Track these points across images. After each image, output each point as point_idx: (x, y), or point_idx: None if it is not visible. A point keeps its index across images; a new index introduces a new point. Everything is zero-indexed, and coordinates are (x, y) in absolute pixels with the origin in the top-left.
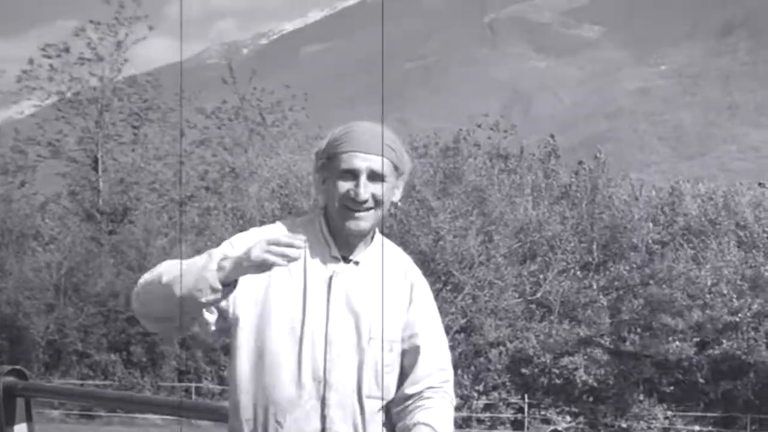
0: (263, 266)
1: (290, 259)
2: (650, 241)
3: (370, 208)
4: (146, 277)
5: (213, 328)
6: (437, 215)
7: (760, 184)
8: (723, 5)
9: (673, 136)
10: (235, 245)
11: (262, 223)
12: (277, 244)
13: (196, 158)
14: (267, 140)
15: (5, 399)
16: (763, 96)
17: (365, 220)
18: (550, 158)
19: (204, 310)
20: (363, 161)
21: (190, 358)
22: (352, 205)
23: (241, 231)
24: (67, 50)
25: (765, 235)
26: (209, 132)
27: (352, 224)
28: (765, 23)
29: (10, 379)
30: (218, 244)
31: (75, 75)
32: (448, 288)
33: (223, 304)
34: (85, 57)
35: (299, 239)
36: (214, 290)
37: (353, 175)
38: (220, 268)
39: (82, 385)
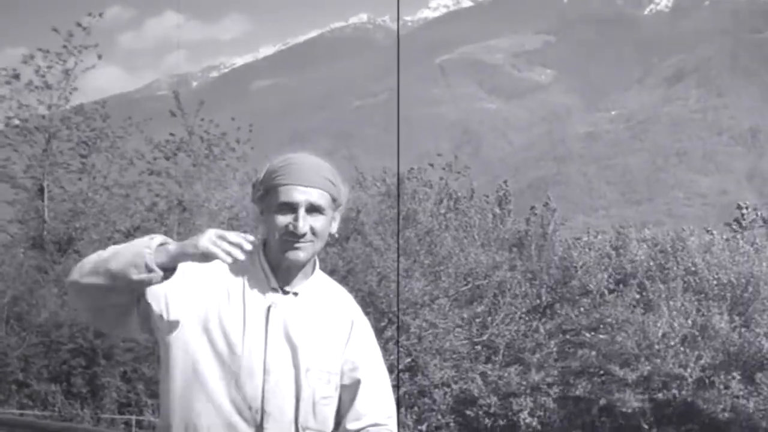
0: (207, 257)
1: (234, 258)
2: (598, 287)
3: (309, 241)
4: (84, 259)
5: (139, 332)
6: (383, 255)
7: (707, 230)
8: (674, 53)
9: (621, 181)
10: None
11: None
12: (226, 239)
13: (144, 189)
14: (215, 173)
15: None
16: (712, 143)
17: (304, 251)
18: (501, 204)
19: (133, 310)
20: (302, 194)
21: (131, 391)
22: (290, 237)
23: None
24: (16, 77)
25: (714, 282)
26: (157, 163)
27: (291, 254)
28: (715, 71)
29: None
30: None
31: (23, 102)
32: (393, 327)
33: (155, 306)
34: (33, 84)
35: (248, 240)
36: (148, 269)
37: (292, 208)
38: (160, 251)
39: (21, 414)
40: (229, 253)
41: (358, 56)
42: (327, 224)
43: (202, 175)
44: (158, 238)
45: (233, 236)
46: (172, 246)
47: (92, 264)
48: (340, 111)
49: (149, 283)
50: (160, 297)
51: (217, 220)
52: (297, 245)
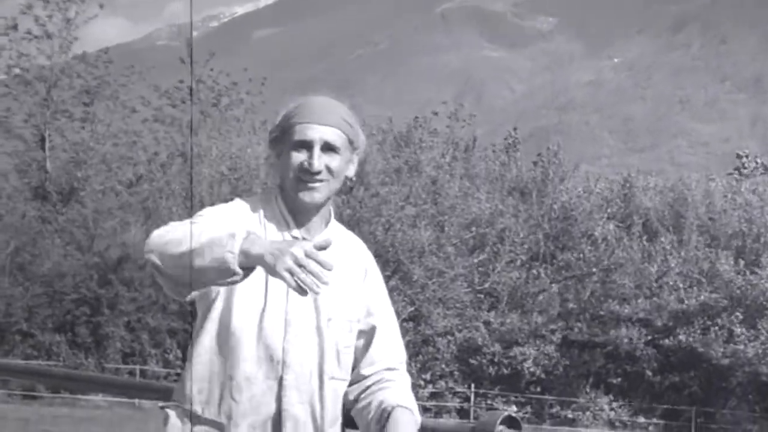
0: (274, 274)
1: (302, 292)
2: (602, 234)
3: (324, 180)
4: (165, 236)
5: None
6: (388, 203)
7: (710, 178)
8: (676, 1)
9: (623, 130)
10: (232, 215)
11: (212, 204)
12: (306, 268)
13: (149, 138)
14: (216, 123)
15: None
16: (714, 91)
17: (319, 191)
18: (509, 151)
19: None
20: (316, 132)
21: (135, 340)
22: (305, 176)
23: (189, 214)
24: (15, 27)
25: (720, 229)
26: (163, 110)
27: (306, 195)
28: (717, 18)
29: None
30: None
31: (23, 51)
32: (397, 276)
33: None
34: (33, 34)
35: (328, 267)
36: (234, 273)
37: (307, 146)
38: (241, 254)
39: (26, 364)
40: (300, 287)
41: (358, 4)
42: (343, 165)
43: (207, 124)
44: (239, 238)
45: (314, 266)
46: (254, 249)
47: (173, 255)
48: (341, 60)
49: (232, 284)
50: None
51: (219, 170)
52: (312, 184)
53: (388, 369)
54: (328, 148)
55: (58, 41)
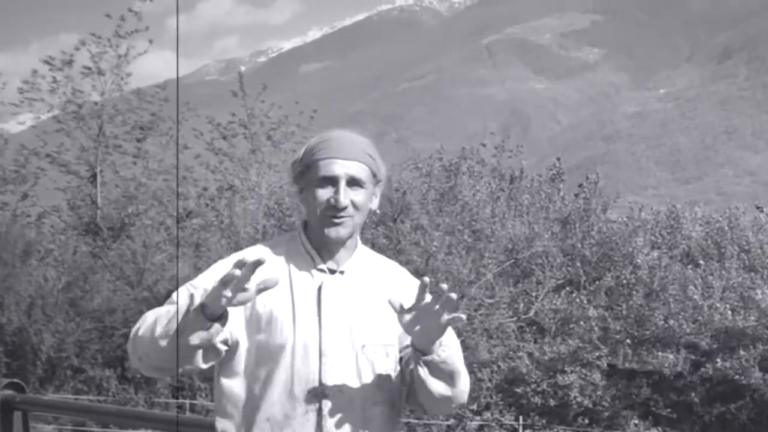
0: (242, 300)
1: (229, 300)
2: (645, 260)
3: (350, 215)
4: (138, 332)
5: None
6: (428, 233)
7: (758, 207)
8: (723, 30)
9: (670, 160)
10: (213, 275)
11: (254, 240)
12: (224, 282)
13: (200, 171)
14: (266, 157)
15: (3, 412)
16: (761, 121)
17: (345, 226)
18: (554, 181)
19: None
20: (341, 168)
21: (184, 375)
22: (331, 212)
23: (235, 248)
24: (70, 63)
25: (766, 259)
26: (215, 144)
27: (332, 231)
28: (764, 49)
29: (9, 392)
30: (215, 261)
31: (77, 88)
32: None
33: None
34: (87, 69)
35: (261, 262)
36: (204, 328)
37: (332, 182)
38: (204, 306)
39: (76, 399)
40: (222, 296)
41: (404, 38)
42: (367, 198)
43: (259, 159)
44: (197, 296)
45: (226, 276)
46: (208, 299)
47: (146, 348)
48: (387, 93)
49: (212, 338)
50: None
51: (265, 204)
52: (337, 220)
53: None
54: (353, 182)
55: (110, 77)
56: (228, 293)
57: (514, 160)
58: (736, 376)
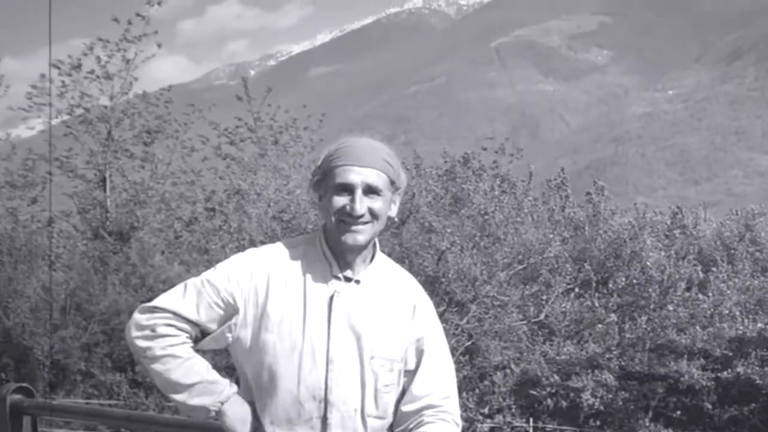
0: None
1: None
2: (655, 262)
3: (367, 222)
4: (145, 353)
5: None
6: (439, 235)
7: None
8: (732, 31)
9: (680, 161)
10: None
11: (262, 243)
12: None
13: (208, 176)
14: (272, 161)
15: (12, 417)
16: None
17: (362, 233)
18: (559, 189)
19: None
20: (358, 175)
21: None
22: (348, 219)
23: (241, 251)
24: (78, 67)
25: None
26: (222, 149)
27: (348, 237)
28: None
29: (17, 396)
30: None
31: (86, 92)
32: (453, 309)
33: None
34: (95, 74)
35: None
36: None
37: (349, 189)
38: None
39: (87, 404)
40: None
41: (413, 41)
42: (385, 206)
43: (267, 163)
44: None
45: None
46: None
47: (163, 382)
48: (397, 96)
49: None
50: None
51: (273, 208)
52: (354, 227)
53: (429, 406)
54: (370, 190)
55: (119, 81)
56: None
57: (517, 163)
58: (756, 379)
